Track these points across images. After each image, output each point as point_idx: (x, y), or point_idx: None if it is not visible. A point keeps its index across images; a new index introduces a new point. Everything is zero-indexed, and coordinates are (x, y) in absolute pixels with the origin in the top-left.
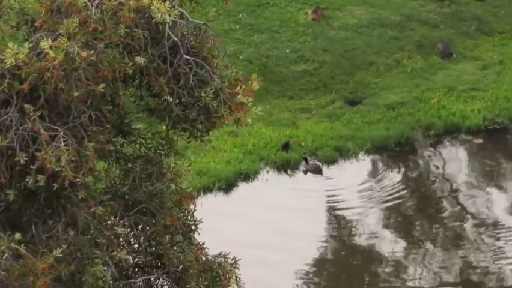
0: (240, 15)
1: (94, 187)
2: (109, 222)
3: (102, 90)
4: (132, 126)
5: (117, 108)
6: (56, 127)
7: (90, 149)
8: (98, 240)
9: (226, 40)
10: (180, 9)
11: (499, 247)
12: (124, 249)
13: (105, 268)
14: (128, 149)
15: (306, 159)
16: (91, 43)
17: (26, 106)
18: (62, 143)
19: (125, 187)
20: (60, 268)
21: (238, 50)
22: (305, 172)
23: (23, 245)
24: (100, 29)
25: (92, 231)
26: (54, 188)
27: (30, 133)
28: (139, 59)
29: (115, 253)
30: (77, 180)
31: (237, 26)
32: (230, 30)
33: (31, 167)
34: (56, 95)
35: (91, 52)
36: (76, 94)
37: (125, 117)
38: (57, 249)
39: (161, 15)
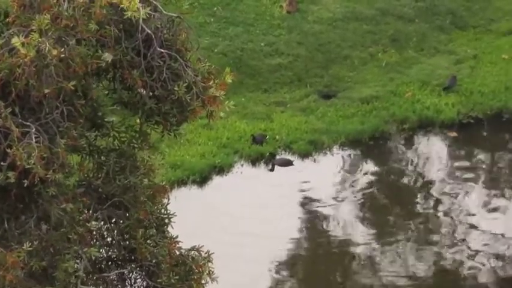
0: (215, 8)
1: (66, 182)
2: (82, 217)
3: (72, 87)
4: (106, 119)
5: (90, 101)
6: (28, 123)
7: (61, 146)
8: (70, 236)
9: (200, 33)
10: (154, 1)
11: (470, 238)
12: (97, 243)
13: (78, 261)
14: (102, 142)
15: (272, 155)
16: (63, 39)
17: None
18: (34, 140)
19: (98, 180)
20: (32, 263)
21: (213, 43)
22: (272, 167)
23: None
24: (71, 25)
25: (64, 227)
26: (25, 185)
27: (2, 129)
28: (107, 56)
29: (86, 249)
30: (48, 176)
31: (212, 19)
32: (205, 23)
33: (2, 163)
34: (27, 91)
35: (63, 49)
36: (46, 91)
37: (98, 110)
38: (27, 243)
39: (132, 13)
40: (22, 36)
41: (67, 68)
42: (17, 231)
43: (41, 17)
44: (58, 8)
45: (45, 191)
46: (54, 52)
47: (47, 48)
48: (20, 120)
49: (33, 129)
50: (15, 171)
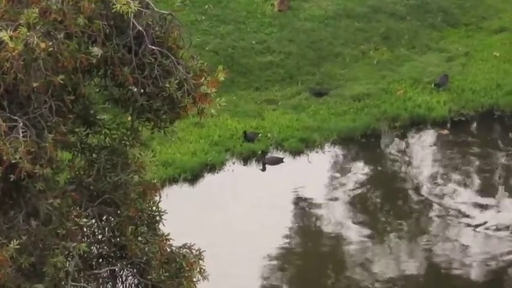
0: (206, 6)
1: (56, 178)
2: (72, 213)
3: (61, 81)
4: (97, 117)
5: (82, 98)
6: (15, 117)
7: (49, 140)
8: (59, 232)
9: (192, 31)
10: None
11: (462, 236)
12: (88, 240)
13: (69, 259)
14: (93, 140)
15: (264, 153)
16: (52, 33)
17: None
18: (21, 134)
19: (89, 178)
20: (21, 259)
21: (204, 41)
22: (264, 167)
23: None
24: (60, 19)
25: (53, 222)
26: (11, 179)
27: None
28: (96, 51)
29: (75, 244)
30: (35, 171)
31: (203, 17)
32: (196, 21)
33: None
34: (15, 85)
35: (51, 43)
36: (35, 85)
37: (90, 108)
38: (15, 240)
39: (120, 7)
40: (10, 30)
41: (55, 62)
42: (5, 225)
43: (29, 10)
44: (47, 1)
45: (33, 185)
46: (43, 45)
47: (35, 42)
48: (8, 114)
49: (21, 124)
50: (1, 165)
